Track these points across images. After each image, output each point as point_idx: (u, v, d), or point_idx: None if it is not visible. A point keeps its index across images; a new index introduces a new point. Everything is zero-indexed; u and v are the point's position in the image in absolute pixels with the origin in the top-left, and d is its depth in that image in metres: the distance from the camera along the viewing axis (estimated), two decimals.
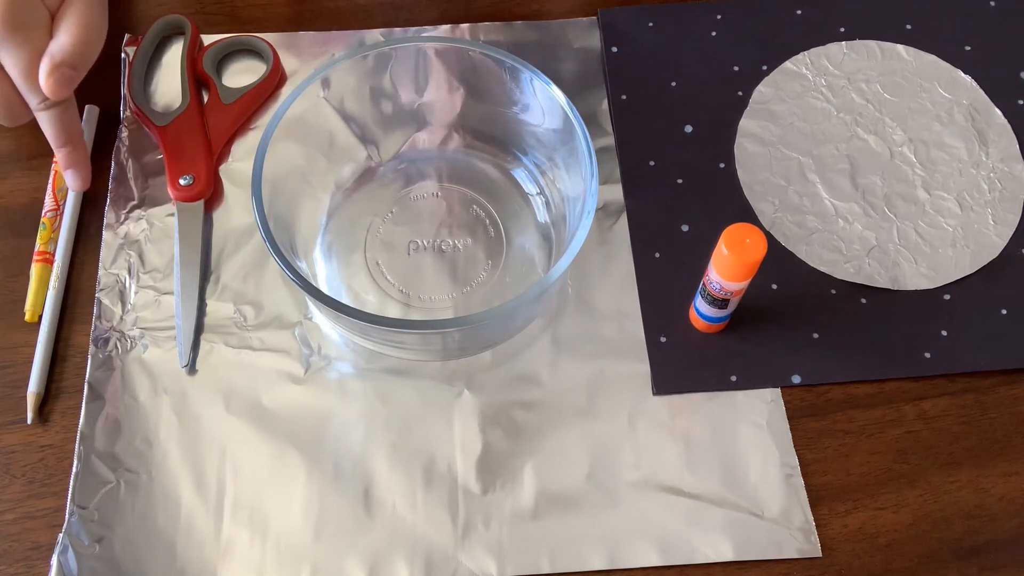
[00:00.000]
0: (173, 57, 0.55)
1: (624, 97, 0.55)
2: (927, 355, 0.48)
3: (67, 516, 0.43)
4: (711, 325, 0.48)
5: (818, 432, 0.46)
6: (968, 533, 0.44)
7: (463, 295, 0.49)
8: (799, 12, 0.58)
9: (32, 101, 0.48)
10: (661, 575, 0.43)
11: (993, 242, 0.51)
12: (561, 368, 0.47)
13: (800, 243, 0.51)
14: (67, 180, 0.49)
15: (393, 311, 0.48)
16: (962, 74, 0.56)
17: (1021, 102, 0.55)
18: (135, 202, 0.51)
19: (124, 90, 0.54)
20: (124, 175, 0.52)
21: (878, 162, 0.53)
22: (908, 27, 0.57)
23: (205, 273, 0.49)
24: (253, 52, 0.56)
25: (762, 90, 0.55)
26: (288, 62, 0.56)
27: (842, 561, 0.43)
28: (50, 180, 0.51)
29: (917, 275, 0.50)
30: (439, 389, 0.47)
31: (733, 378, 0.47)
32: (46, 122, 0.48)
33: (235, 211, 0.51)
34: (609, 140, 0.53)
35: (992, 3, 0.58)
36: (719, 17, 0.58)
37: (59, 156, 0.49)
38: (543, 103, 0.48)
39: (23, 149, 0.53)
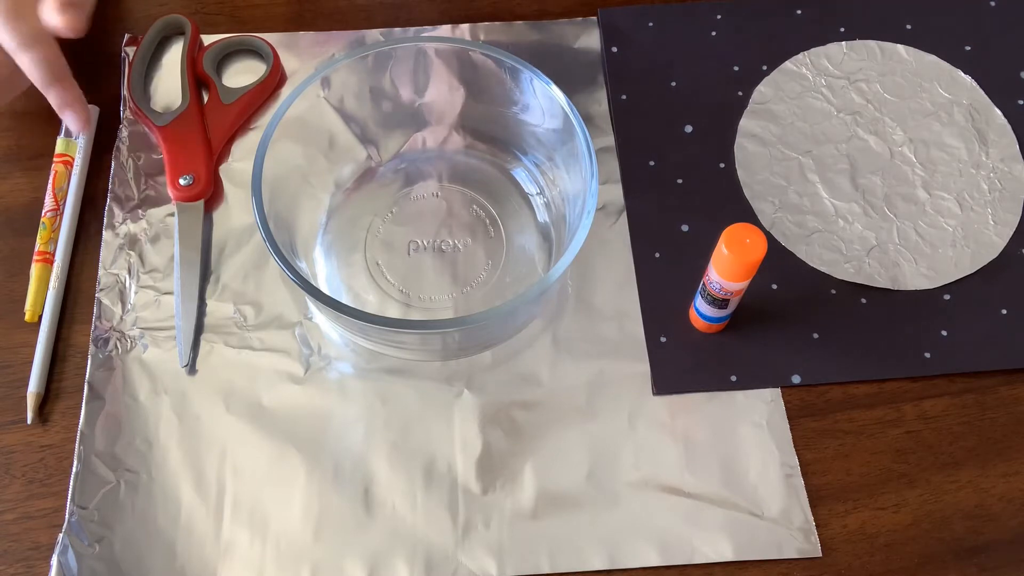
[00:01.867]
0: (173, 57, 0.55)
1: (624, 97, 0.55)
2: (927, 355, 0.48)
3: (67, 516, 0.43)
4: (711, 325, 0.48)
5: (818, 432, 0.46)
6: (968, 533, 0.44)
7: (463, 295, 0.49)
8: (799, 12, 0.58)
9: (11, 42, 0.45)
10: (661, 575, 0.43)
11: (993, 242, 0.51)
12: (561, 368, 0.47)
13: (800, 243, 0.51)
14: (67, 122, 0.47)
15: (393, 311, 0.48)
16: (962, 74, 0.56)
17: (1021, 102, 0.55)
18: (135, 202, 0.51)
19: (124, 90, 0.54)
20: (124, 175, 0.52)
21: (878, 162, 0.53)
22: (908, 27, 0.57)
23: (205, 273, 0.49)
24: (253, 52, 0.56)
25: (762, 90, 0.55)
26: (288, 62, 0.56)
27: (842, 561, 0.43)
28: (50, 180, 0.51)
29: (917, 275, 0.50)
30: (439, 389, 0.47)
31: (733, 378, 0.47)
32: (30, 64, 0.46)
33: (235, 211, 0.51)
34: (609, 140, 0.53)
35: (992, 3, 0.58)
36: (719, 17, 0.58)
37: (51, 97, 0.47)
38: (543, 103, 0.48)
39: (23, 149, 0.53)
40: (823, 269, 0.50)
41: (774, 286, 0.49)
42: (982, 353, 0.48)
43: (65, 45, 0.56)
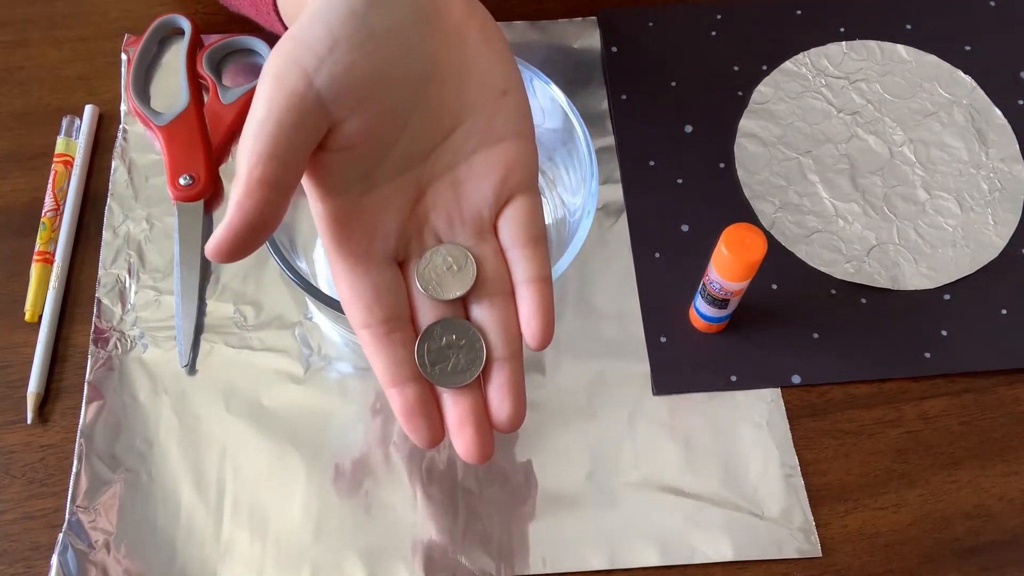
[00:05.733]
0: (173, 57, 0.55)
1: (624, 97, 0.55)
2: (927, 355, 0.48)
3: (67, 516, 0.43)
4: (711, 325, 0.48)
5: (818, 432, 0.46)
6: (968, 533, 0.44)
7: None
8: (799, 12, 0.58)
9: None
10: (661, 575, 0.43)
11: (993, 242, 0.51)
12: (561, 368, 0.47)
13: (800, 243, 0.51)
14: None
15: None
16: (962, 74, 0.56)
17: (1021, 102, 0.55)
18: (135, 202, 0.51)
19: (124, 90, 0.54)
20: (124, 175, 0.52)
21: (878, 162, 0.53)
22: (908, 27, 0.57)
23: (205, 273, 0.49)
24: (253, 52, 0.56)
25: (762, 90, 0.55)
26: None
27: (842, 561, 0.43)
28: (50, 180, 0.51)
29: (917, 275, 0.50)
30: None
31: (733, 378, 0.47)
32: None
33: None
34: (609, 140, 0.53)
35: (992, 3, 0.58)
36: (719, 17, 0.58)
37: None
38: (543, 103, 0.48)
39: (23, 149, 0.53)
40: (823, 269, 0.50)
41: (774, 286, 0.49)
42: (982, 353, 0.48)
43: (65, 45, 0.57)
